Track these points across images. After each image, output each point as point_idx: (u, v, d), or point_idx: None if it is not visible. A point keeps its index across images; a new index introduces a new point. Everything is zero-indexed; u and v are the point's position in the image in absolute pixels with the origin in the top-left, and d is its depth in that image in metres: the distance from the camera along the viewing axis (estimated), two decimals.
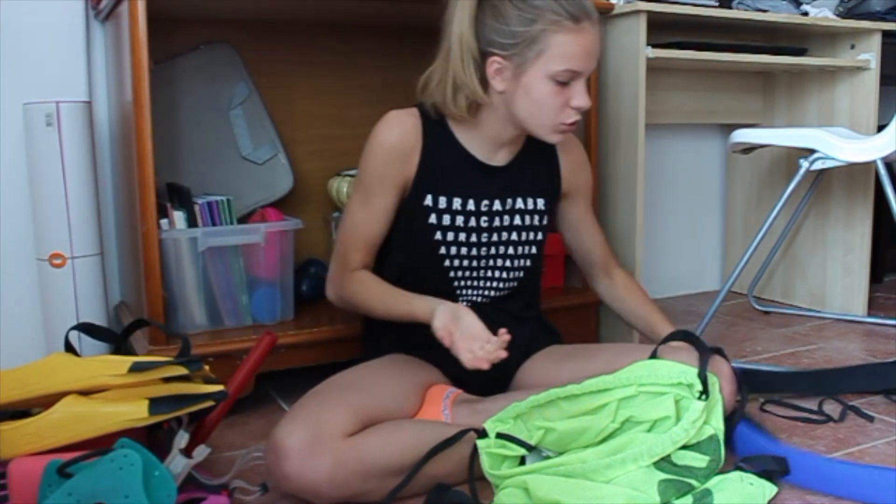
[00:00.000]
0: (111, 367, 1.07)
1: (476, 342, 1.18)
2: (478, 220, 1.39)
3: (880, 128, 1.94)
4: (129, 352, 1.43)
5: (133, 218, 1.56)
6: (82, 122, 1.68)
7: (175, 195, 1.63)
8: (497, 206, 1.40)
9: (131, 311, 1.76)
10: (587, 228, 1.57)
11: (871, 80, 2.25)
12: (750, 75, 2.49)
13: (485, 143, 1.38)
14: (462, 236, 1.38)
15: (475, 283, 1.43)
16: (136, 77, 1.44)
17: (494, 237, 1.41)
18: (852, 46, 2.30)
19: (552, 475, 1.12)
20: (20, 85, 1.77)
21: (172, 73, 1.83)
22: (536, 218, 1.44)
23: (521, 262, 1.45)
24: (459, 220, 1.38)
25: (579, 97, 1.27)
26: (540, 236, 1.46)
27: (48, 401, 1.05)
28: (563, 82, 1.25)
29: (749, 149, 2.25)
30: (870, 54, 2.26)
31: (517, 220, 1.42)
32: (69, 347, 1.28)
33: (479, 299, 1.44)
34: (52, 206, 1.66)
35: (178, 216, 1.58)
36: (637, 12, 1.86)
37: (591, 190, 1.57)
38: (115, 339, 1.33)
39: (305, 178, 2.00)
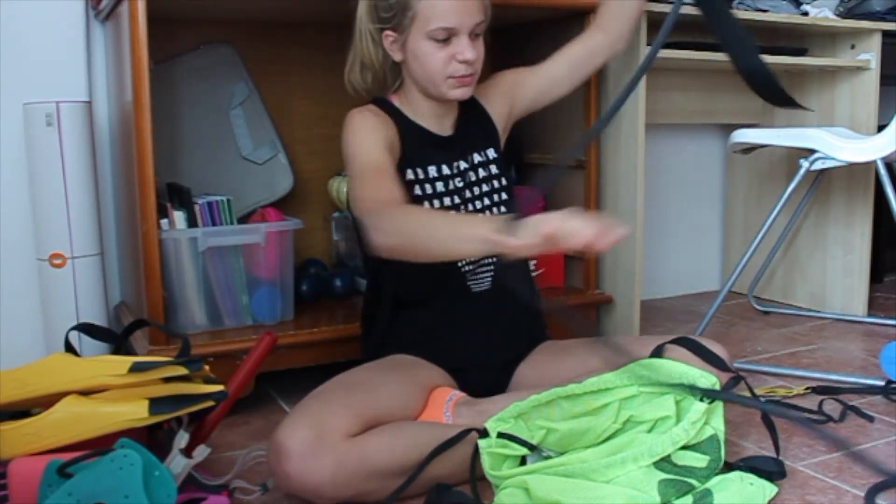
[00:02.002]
0: (111, 367, 1.07)
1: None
2: (453, 182, 1.46)
3: (880, 128, 1.94)
4: (129, 352, 1.43)
5: (133, 218, 1.56)
6: (82, 122, 1.68)
7: (175, 195, 1.63)
8: (462, 164, 1.48)
9: (131, 311, 1.76)
10: (558, 64, 1.58)
11: (871, 80, 2.25)
12: None
13: (428, 118, 1.46)
14: (447, 200, 1.44)
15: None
16: (136, 77, 1.44)
17: (468, 193, 1.48)
18: (852, 46, 2.30)
19: (552, 475, 1.12)
20: (20, 85, 1.77)
21: (172, 73, 1.83)
22: (494, 167, 1.51)
23: (500, 209, 1.51)
24: (440, 185, 1.44)
25: (464, 51, 1.34)
26: (504, 182, 1.53)
27: (48, 401, 1.05)
28: (443, 39, 1.34)
29: (749, 149, 2.25)
30: (870, 54, 2.25)
31: (482, 172, 1.50)
32: (69, 347, 1.28)
33: (478, 267, 1.45)
34: (52, 206, 1.66)
35: (178, 216, 1.58)
36: None
37: (526, 68, 1.58)
38: (115, 339, 1.33)
39: (305, 178, 2.00)
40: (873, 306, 2.40)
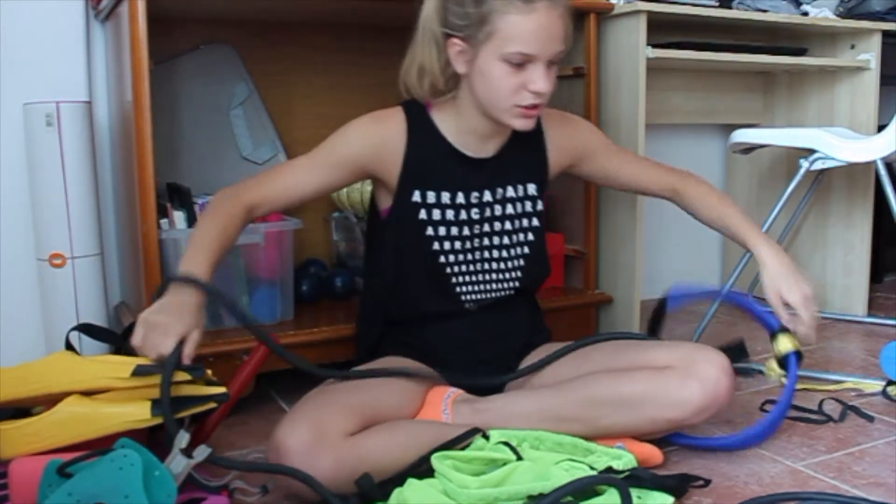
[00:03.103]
0: (114, 368, 1.06)
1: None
2: (468, 213, 1.38)
3: (880, 128, 1.94)
4: (130, 352, 1.43)
5: (133, 218, 1.56)
6: (82, 122, 1.68)
7: (175, 195, 1.63)
8: (487, 196, 1.39)
9: (131, 311, 1.76)
10: (628, 173, 1.52)
11: (871, 80, 2.25)
12: (750, 75, 2.49)
13: (469, 136, 1.37)
14: (454, 230, 1.37)
15: (475, 279, 1.41)
16: (136, 77, 1.44)
17: (486, 227, 1.40)
18: (852, 46, 2.30)
19: (435, 489, 1.11)
20: (20, 85, 1.77)
21: (172, 73, 1.83)
22: (528, 204, 1.43)
23: (518, 250, 1.43)
24: (450, 213, 1.37)
25: (537, 81, 1.24)
26: (535, 222, 1.44)
27: (50, 400, 1.05)
28: (518, 64, 1.23)
29: (749, 149, 2.25)
30: (870, 54, 2.25)
31: (509, 209, 1.41)
32: (69, 348, 1.27)
33: (481, 296, 1.43)
34: (52, 206, 1.66)
35: (178, 216, 1.58)
36: (637, 12, 1.85)
37: (606, 141, 1.53)
38: (115, 339, 1.33)
39: None
40: (873, 306, 2.40)
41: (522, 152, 1.42)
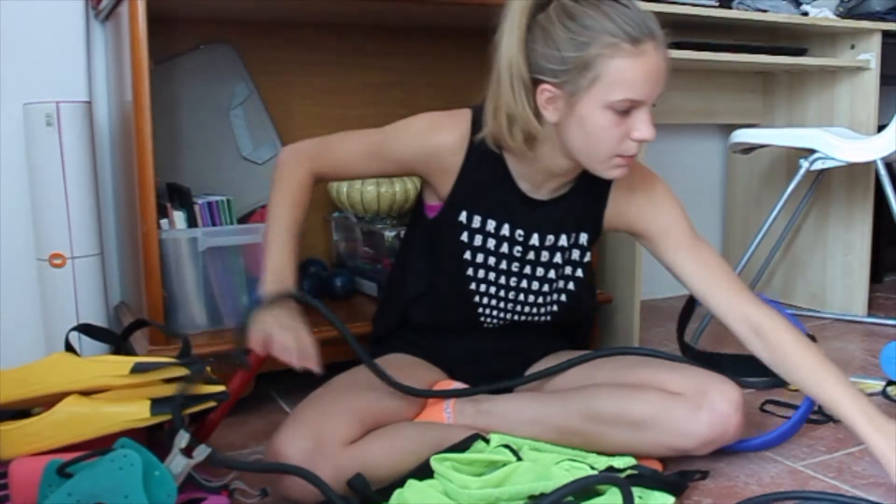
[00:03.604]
0: (113, 367, 1.06)
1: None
2: (510, 248, 1.31)
3: (880, 128, 1.94)
4: (129, 352, 1.43)
5: (133, 218, 1.56)
6: (82, 122, 1.68)
7: (175, 195, 1.63)
8: (535, 239, 1.31)
9: (131, 311, 1.76)
10: (695, 281, 1.31)
11: (871, 80, 2.25)
12: (750, 75, 2.49)
13: (534, 175, 1.27)
14: (492, 260, 1.31)
15: (502, 311, 1.36)
16: (136, 77, 1.44)
17: (527, 270, 1.33)
18: (852, 46, 2.30)
19: (435, 490, 1.11)
20: (20, 85, 1.77)
21: (172, 73, 1.82)
22: (577, 253, 1.34)
23: (555, 296, 1.36)
24: (491, 242, 1.30)
25: (642, 128, 1.13)
26: (579, 272, 1.35)
27: (50, 400, 1.05)
28: (623, 111, 1.13)
29: (749, 149, 2.25)
30: (870, 54, 2.25)
31: (557, 258, 1.33)
32: (69, 348, 1.27)
33: (504, 323, 1.38)
34: (52, 206, 1.66)
35: (178, 216, 1.57)
36: None
37: (682, 229, 1.32)
38: (115, 339, 1.33)
39: None
40: (873, 306, 2.40)
41: (583, 202, 1.33)
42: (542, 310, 1.37)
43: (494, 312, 1.36)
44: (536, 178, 1.28)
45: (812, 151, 1.97)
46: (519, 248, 1.31)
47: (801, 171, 1.97)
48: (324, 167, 1.32)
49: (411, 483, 1.11)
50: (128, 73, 1.47)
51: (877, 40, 2.25)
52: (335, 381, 1.28)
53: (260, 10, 1.79)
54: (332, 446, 1.11)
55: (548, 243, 1.32)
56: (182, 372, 1.08)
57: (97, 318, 1.72)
